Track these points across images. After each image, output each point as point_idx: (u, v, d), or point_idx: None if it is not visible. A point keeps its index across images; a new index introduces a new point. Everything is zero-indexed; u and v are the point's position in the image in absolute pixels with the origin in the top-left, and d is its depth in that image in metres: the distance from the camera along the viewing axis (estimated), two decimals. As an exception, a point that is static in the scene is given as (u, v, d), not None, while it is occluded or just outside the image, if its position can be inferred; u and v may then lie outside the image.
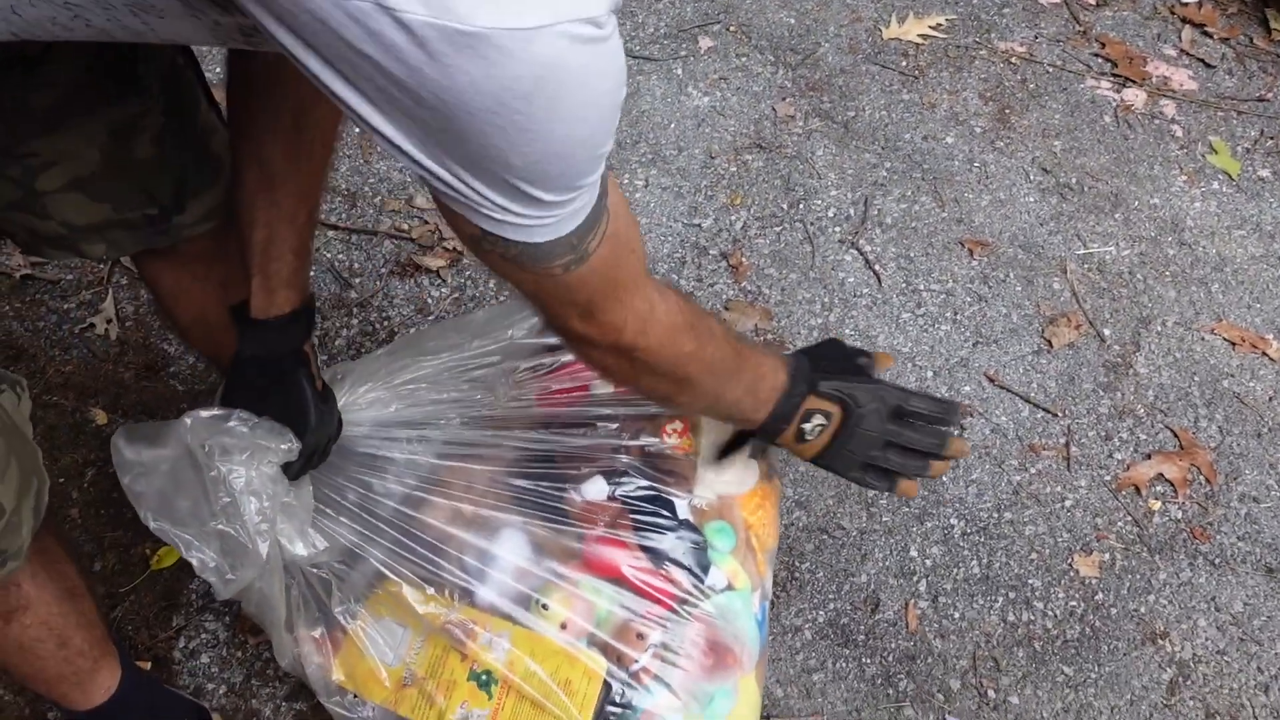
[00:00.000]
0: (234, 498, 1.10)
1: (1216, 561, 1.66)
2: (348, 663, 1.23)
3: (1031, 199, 2.14)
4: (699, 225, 2.02)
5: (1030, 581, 1.61)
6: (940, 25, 2.46)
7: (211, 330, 1.28)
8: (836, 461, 1.15)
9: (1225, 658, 1.56)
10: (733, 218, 2.04)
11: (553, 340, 1.32)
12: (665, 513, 1.21)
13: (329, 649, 1.24)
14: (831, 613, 1.56)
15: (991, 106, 2.31)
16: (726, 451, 1.25)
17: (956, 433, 1.16)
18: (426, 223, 1.95)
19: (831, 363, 1.15)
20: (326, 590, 1.22)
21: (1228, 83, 2.43)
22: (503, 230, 0.75)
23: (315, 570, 1.23)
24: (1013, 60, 2.42)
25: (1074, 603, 1.59)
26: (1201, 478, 1.75)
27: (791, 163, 2.15)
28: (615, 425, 1.25)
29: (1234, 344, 1.93)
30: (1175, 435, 1.80)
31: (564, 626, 1.18)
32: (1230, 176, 2.22)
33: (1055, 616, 1.58)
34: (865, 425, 1.12)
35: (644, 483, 1.22)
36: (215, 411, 1.13)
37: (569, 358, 1.30)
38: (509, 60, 0.61)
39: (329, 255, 1.89)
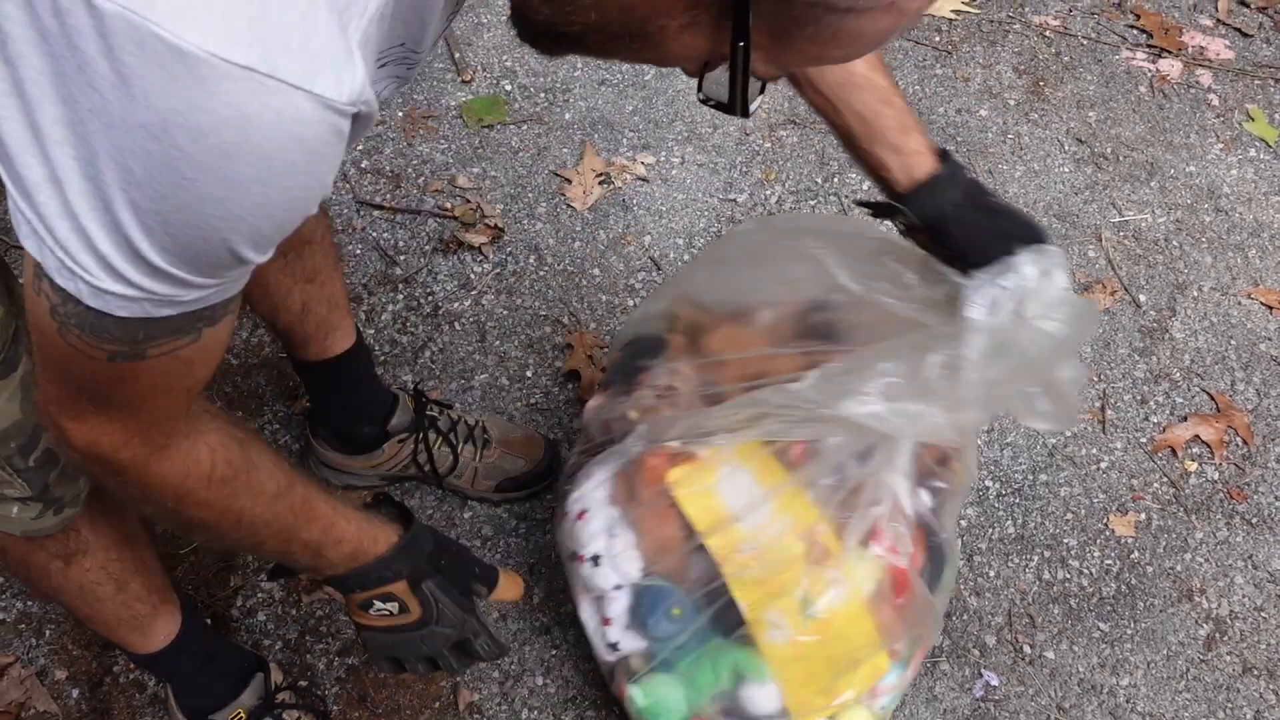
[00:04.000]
0: None
1: (1254, 521, 1.66)
2: (688, 482, 1.20)
3: (1066, 169, 2.15)
4: (734, 200, 2.05)
5: (1065, 541, 1.63)
6: (974, 0, 2.47)
7: (279, 311, 1.35)
8: (373, 643, 1.11)
9: (1262, 614, 1.57)
10: (767, 192, 2.07)
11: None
12: None
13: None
14: (868, 572, 1.59)
15: (1025, 79, 2.32)
16: None
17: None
18: (468, 201, 2.00)
19: (454, 568, 1.11)
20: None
21: (1265, 51, 2.41)
22: (77, 290, 0.63)
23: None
24: (1047, 34, 2.42)
25: (1110, 561, 1.61)
26: (1238, 439, 1.75)
27: (826, 138, 2.17)
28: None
29: (1271, 308, 1.93)
30: (1212, 398, 1.80)
31: None
32: (1268, 143, 2.22)
33: (1091, 575, 1.60)
34: (427, 642, 1.10)
35: None
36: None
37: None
38: (194, 88, 0.54)
39: (375, 234, 1.95)
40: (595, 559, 1.23)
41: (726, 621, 1.18)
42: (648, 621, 1.21)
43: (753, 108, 0.69)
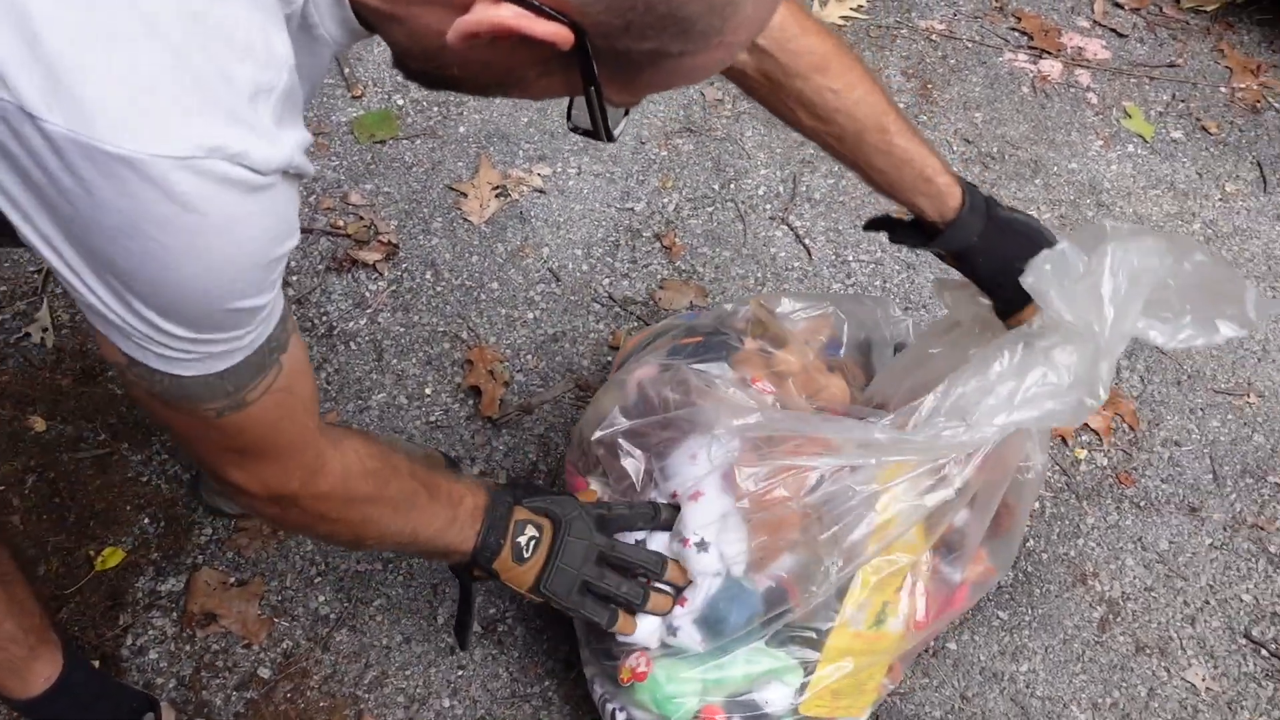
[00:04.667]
0: None
1: (1142, 504, 1.71)
2: None
3: (955, 169, 2.19)
4: (632, 209, 2.06)
5: (964, 533, 1.66)
6: (861, 6, 2.52)
7: None
8: (558, 582, 1.12)
9: (1152, 594, 1.61)
10: (665, 200, 2.08)
11: None
12: None
13: None
14: (773, 574, 1.59)
15: (914, 83, 2.37)
16: None
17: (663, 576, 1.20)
18: (362, 218, 1.97)
19: (530, 489, 1.17)
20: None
21: (1140, 50, 2.50)
22: (146, 358, 0.71)
23: None
24: (933, 37, 2.47)
25: (1007, 551, 1.64)
26: (1125, 425, 1.80)
27: (721, 145, 2.19)
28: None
29: (1153, 297, 1.99)
30: (1099, 387, 1.85)
31: None
32: (1144, 139, 2.29)
33: (989, 565, 1.63)
34: (575, 533, 1.13)
35: None
36: None
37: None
38: (147, 187, 0.60)
39: (265, 255, 1.90)
40: (702, 544, 1.20)
41: (775, 628, 1.21)
42: (726, 617, 1.19)
43: (617, 131, 0.77)
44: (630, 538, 1.22)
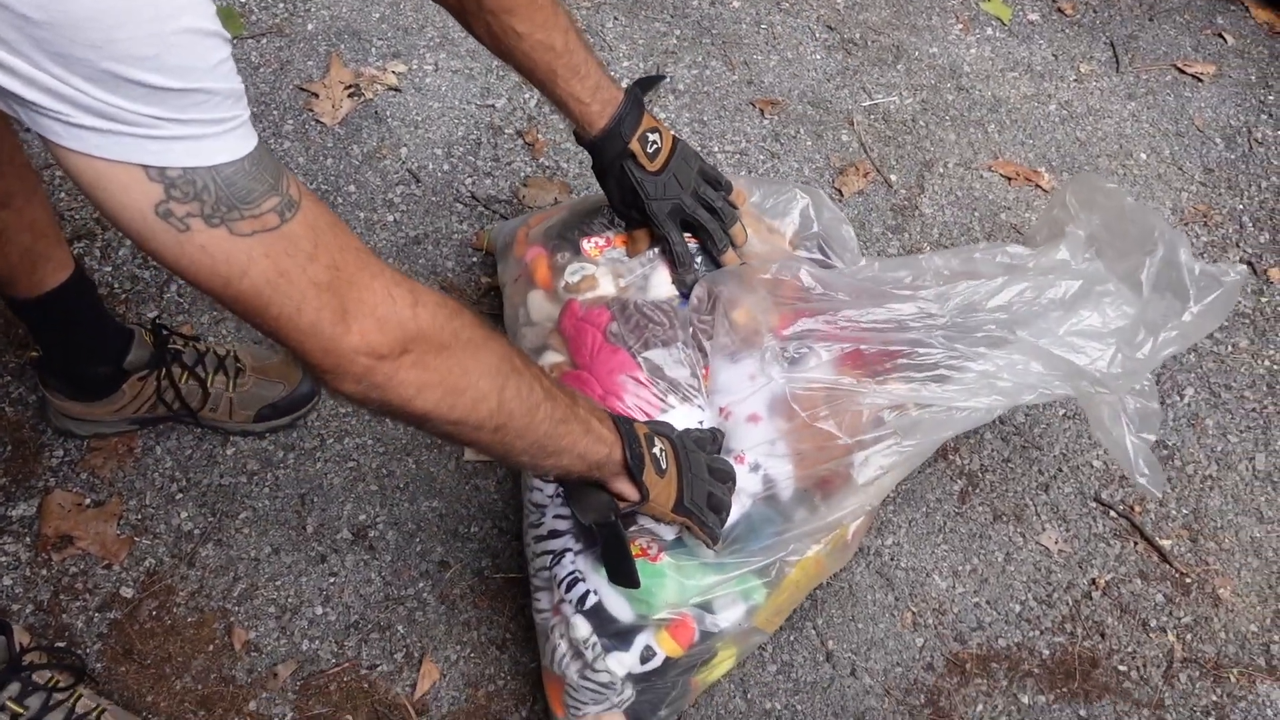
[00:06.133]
0: None
1: (999, 379, 1.77)
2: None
3: (818, 56, 2.19)
4: (493, 105, 2.00)
5: (831, 416, 1.69)
6: (723, -108, 2.46)
7: None
8: (697, 493, 1.15)
9: (1009, 464, 1.67)
10: (526, 96, 2.03)
11: None
12: None
13: None
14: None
15: (777, -31, 2.34)
16: None
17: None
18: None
19: None
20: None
21: (999, -67, 2.51)
22: (171, 154, 0.70)
23: None
24: (795, -77, 2.44)
25: (871, 430, 1.68)
26: (984, 304, 1.85)
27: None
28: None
29: (1009, 179, 2.03)
30: (959, 268, 1.89)
31: None
32: (1003, 22, 2.31)
33: (855, 445, 1.67)
34: (689, 446, 1.18)
35: None
36: None
37: None
38: None
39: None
40: (756, 466, 1.27)
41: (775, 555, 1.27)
42: (749, 537, 1.24)
43: None
44: None
